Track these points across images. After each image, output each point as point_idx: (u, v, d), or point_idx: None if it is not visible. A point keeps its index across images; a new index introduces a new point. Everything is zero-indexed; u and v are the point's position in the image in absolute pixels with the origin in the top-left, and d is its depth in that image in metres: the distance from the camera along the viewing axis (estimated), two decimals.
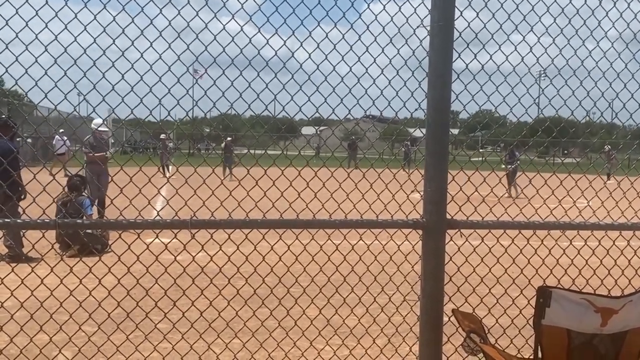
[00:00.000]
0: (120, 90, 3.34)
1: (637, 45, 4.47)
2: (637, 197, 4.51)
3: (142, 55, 3.37)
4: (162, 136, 29.72)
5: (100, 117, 11.92)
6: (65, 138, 27.78)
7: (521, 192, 19.79)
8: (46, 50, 3.21)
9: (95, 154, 12.27)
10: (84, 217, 10.32)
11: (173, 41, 3.42)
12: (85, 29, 3.30)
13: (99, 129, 12.89)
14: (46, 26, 3.19)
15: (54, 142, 28.95)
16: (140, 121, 3.87)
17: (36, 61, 3.27)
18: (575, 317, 2.88)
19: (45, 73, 3.22)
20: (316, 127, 4.58)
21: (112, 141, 12.91)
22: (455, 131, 4.40)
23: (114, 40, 3.36)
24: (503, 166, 20.83)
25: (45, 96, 3.27)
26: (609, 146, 22.04)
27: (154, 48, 3.45)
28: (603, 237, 4.43)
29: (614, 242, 4.54)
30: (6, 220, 3.44)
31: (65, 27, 3.23)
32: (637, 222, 4.22)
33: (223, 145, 27.79)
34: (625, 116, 4.49)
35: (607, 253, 4.52)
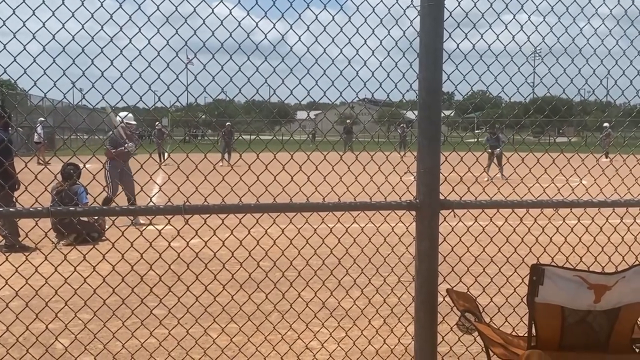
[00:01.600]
0: (110, 78, 3.33)
1: (629, 23, 4.46)
2: (630, 174, 4.53)
3: (130, 41, 3.35)
4: (157, 124, 29.61)
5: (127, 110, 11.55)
6: (40, 127, 27.65)
7: (503, 174, 20.02)
8: (34, 38, 3.19)
9: (114, 150, 11.72)
10: (79, 206, 10.29)
11: (161, 26, 3.41)
12: (73, 15, 3.27)
13: (129, 122, 12.28)
14: (33, 13, 3.16)
15: (38, 132, 28.83)
16: (131, 108, 3.84)
17: (24, 49, 3.24)
18: (569, 294, 2.90)
19: (34, 61, 3.20)
20: (308, 111, 4.56)
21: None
22: (448, 112, 4.40)
23: (102, 27, 3.34)
24: (489, 150, 20.96)
25: (35, 84, 3.26)
26: (608, 124, 22.06)
27: (143, 34, 3.43)
28: (596, 214, 4.45)
29: (607, 219, 4.56)
30: None
31: (53, 14, 3.21)
32: (630, 199, 4.24)
33: (223, 131, 27.67)
34: (618, 94, 4.50)
35: (601, 230, 4.54)
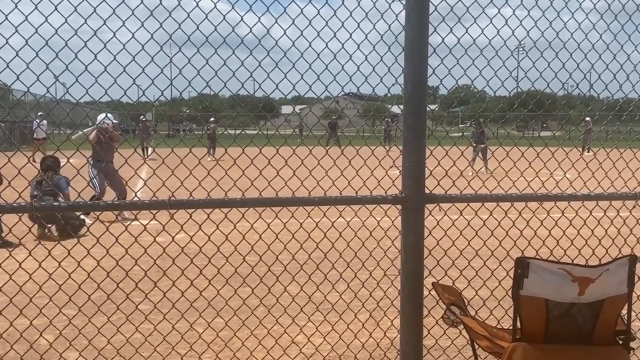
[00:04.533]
0: (94, 72, 3.30)
1: (612, 17, 4.49)
2: (613, 168, 4.56)
3: (114, 35, 3.32)
4: (142, 118, 29.42)
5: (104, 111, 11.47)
6: (45, 122, 27.15)
7: (488, 168, 20.18)
8: (17, 31, 3.16)
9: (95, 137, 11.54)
10: (61, 197, 10.28)
11: (146, 20, 3.38)
12: (56, 9, 3.24)
13: (106, 121, 12.08)
14: (16, 7, 3.13)
15: (34, 128, 28.24)
16: (115, 102, 3.82)
17: (7, 43, 3.21)
18: (553, 287, 2.92)
19: (17, 55, 3.16)
20: (293, 106, 4.55)
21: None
22: (433, 106, 4.41)
23: (85, 20, 3.31)
24: (473, 145, 21.04)
25: (17, 78, 3.23)
26: (589, 118, 22.29)
27: (127, 28, 3.40)
28: (580, 207, 4.48)
29: (590, 212, 4.59)
30: None
31: (36, 7, 3.17)
32: (613, 192, 4.27)
33: (208, 130, 27.56)
34: (602, 88, 4.53)
35: (585, 223, 4.58)
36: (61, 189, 10.41)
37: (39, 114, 26.34)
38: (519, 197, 4.01)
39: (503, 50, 4.21)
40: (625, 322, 3.14)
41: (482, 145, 21.02)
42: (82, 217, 10.47)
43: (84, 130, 12.03)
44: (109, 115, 12.04)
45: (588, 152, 24.00)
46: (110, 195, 12.13)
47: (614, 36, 4.49)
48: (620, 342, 3.11)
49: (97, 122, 11.97)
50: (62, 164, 10.52)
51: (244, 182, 3.73)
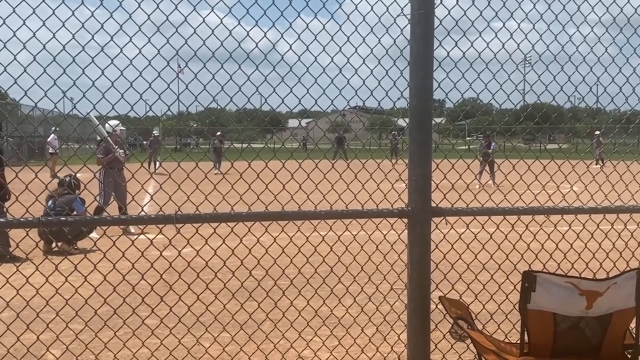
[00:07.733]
0: (101, 87, 3.33)
1: (617, 30, 4.50)
2: (620, 181, 4.55)
3: (121, 51, 3.34)
4: (155, 132, 29.41)
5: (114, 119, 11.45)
6: (56, 137, 27.10)
7: (494, 181, 20.15)
8: (25, 47, 3.18)
9: (104, 158, 11.31)
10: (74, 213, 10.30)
11: (152, 35, 3.40)
12: (63, 25, 3.26)
13: (117, 128, 11.88)
14: (24, 23, 3.15)
15: (49, 140, 28.15)
16: (122, 117, 3.83)
17: (15, 59, 3.23)
18: (561, 300, 2.91)
19: (25, 71, 3.19)
20: (300, 120, 4.57)
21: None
22: (439, 120, 4.42)
23: (92, 36, 3.33)
24: (480, 158, 20.96)
25: (25, 94, 3.25)
26: (598, 132, 22.31)
27: (133, 43, 3.43)
28: (587, 220, 4.46)
29: (598, 225, 4.57)
30: None
31: (44, 24, 3.20)
32: (621, 205, 4.25)
33: (214, 143, 27.55)
34: (608, 101, 4.52)
35: (592, 236, 4.56)
36: (76, 209, 10.42)
37: (53, 128, 26.37)
38: (525, 210, 4.00)
39: (509, 63, 4.21)
40: (634, 335, 3.12)
41: (489, 159, 20.99)
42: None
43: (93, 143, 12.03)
44: (116, 124, 12.00)
45: (596, 164, 23.99)
46: (114, 209, 12.14)
47: (619, 49, 4.50)
48: (629, 355, 3.09)
49: (109, 128, 11.87)
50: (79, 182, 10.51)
51: (250, 196, 3.74)
